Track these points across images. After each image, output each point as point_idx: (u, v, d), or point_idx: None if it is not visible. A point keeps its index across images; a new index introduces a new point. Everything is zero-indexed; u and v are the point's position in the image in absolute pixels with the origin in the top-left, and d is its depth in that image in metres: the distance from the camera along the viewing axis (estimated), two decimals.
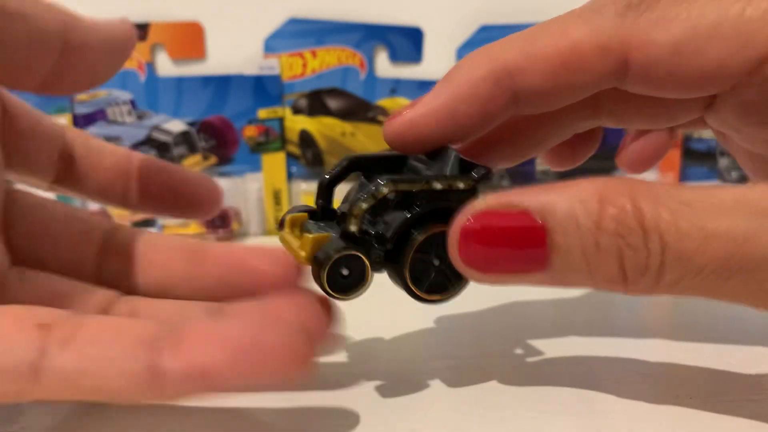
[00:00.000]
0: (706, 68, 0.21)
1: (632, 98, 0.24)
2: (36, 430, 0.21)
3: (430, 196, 0.21)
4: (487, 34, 0.52)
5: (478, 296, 0.33)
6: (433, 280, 0.22)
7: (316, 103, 0.52)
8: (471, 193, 0.22)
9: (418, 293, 0.22)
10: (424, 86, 0.53)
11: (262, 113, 0.51)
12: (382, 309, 0.31)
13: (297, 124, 0.51)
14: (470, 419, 0.21)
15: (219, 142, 0.51)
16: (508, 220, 0.19)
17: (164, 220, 0.48)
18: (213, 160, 0.50)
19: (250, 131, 0.51)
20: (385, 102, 0.53)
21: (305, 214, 0.23)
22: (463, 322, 0.30)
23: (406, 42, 0.53)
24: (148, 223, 0.48)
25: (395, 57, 0.53)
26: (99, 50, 0.23)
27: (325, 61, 0.52)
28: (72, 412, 0.22)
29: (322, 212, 0.23)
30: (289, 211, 0.23)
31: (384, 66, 0.53)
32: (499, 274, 0.19)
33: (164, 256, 0.25)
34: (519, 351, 0.26)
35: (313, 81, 0.52)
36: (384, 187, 0.21)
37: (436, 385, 0.24)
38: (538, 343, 0.27)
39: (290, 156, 0.52)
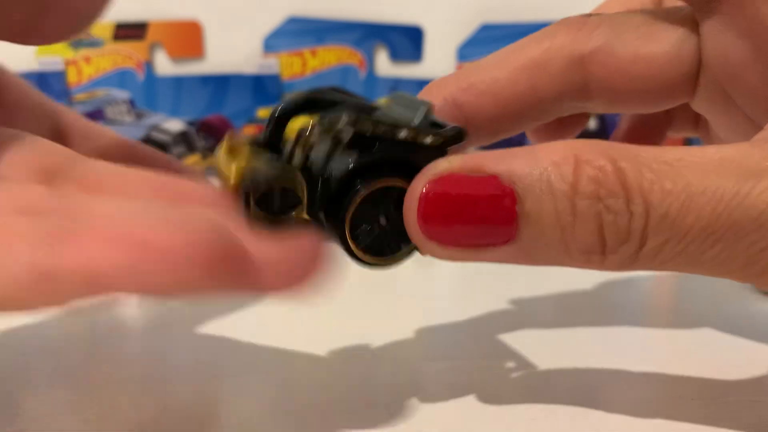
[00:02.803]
0: None
1: (621, 70, 0.23)
2: (36, 430, 0.21)
3: (390, 144, 0.19)
4: (488, 33, 0.52)
5: (478, 296, 0.33)
6: (374, 240, 0.19)
7: None
8: (438, 151, 0.19)
9: (355, 250, 0.19)
10: (424, 85, 0.52)
11: (262, 112, 0.51)
12: (381, 309, 0.30)
13: (297, 123, 0.51)
14: (470, 419, 0.21)
15: (218, 141, 0.50)
16: (473, 186, 0.17)
17: None
18: (212, 159, 0.50)
19: (250, 131, 0.51)
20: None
21: (247, 142, 0.20)
22: (463, 322, 0.30)
23: (407, 41, 0.53)
24: None
25: (395, 56, 0.53)
26: None
27: (325, 60, 0.52)
28: (72, 415, 0.21)
29: (268, 146, 0.21)
30: (230, 137, 0.20)
31: (384, 65, 0.53)
32: (462, 248, 0.18)
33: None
34: (519, 351, 0.26)
35: (312, 80, 0.52)
36: (341, 123, 0.18)
37: (436, 386, 0.23)
38: (538, 343, 0.27)
39: None
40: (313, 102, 0.21)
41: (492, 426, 0.21)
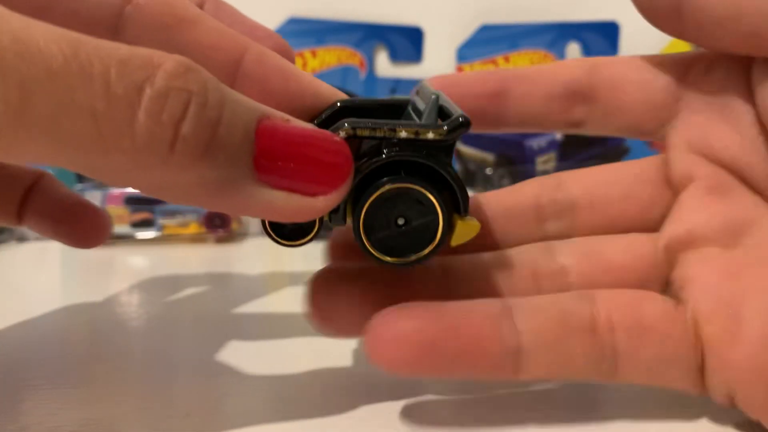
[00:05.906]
0: None
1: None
2: (36, 430, 0.21)
3: (395, 145, 0.19)
4: (487, 34, 0.52)
5: None
6: (388, 240, 0.20)
7: None
8: (445, 145, 0.19)
9: (369, 248, 0.20)
10: None
11: None
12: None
13: None
14: (469, 420, 0.21)
15: None
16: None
17: (164, 220, 0.48)
18: None
19: None
20: None
21: None
22: None
23: (406, 41, 0.53)
24: (146, 223, 0.48)
25: (395, 56, 0.53)
26: None
27: (325, 60, 0.52)
28: (72, 415, 0.22)
29: None
30: None
31: (384, 65, 0.53)
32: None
33: None
34: None
35: None
36: (341, 130, 0.19)
37: (436, 386, 0.23)
38: None
39: None
40: (345, 111, 0.21)
41: (491, 426, 0.21)
